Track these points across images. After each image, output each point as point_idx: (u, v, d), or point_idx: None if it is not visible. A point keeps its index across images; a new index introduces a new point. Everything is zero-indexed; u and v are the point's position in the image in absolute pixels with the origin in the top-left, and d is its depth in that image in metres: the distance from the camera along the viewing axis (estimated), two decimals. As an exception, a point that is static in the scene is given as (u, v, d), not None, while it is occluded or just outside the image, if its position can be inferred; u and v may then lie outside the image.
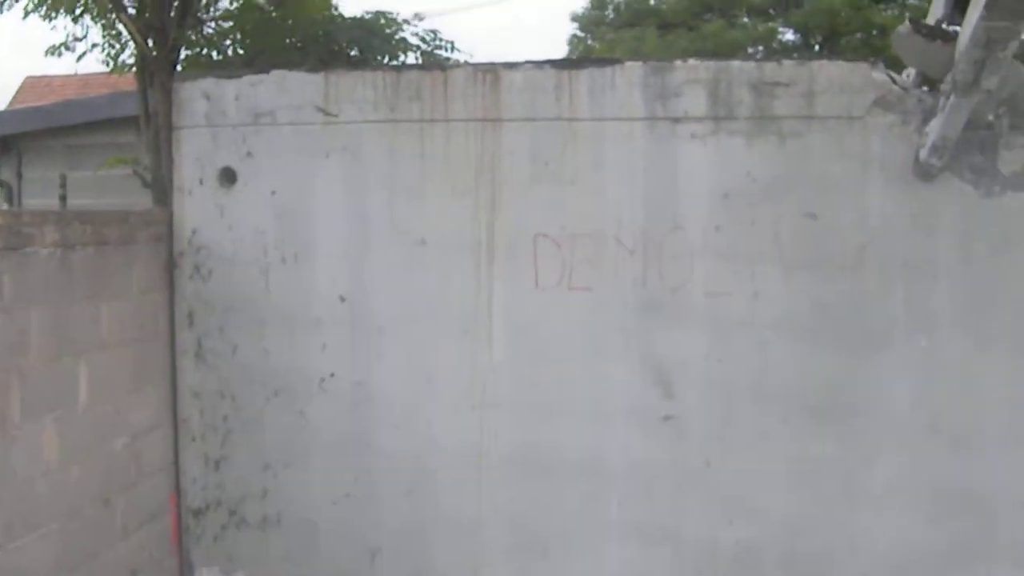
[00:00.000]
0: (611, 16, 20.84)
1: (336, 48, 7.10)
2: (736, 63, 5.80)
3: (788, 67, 5.73)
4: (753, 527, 5.81)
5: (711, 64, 5.79)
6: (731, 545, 5.83)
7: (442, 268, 5.96)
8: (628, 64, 5.84)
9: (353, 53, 7.29)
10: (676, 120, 5.77)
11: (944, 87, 5.19)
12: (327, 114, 6.04)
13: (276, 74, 6.14)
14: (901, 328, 5.68)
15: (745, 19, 16.45)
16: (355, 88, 6.03)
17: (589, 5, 21.84)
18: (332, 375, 6.08)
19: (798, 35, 14.48)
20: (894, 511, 5.71)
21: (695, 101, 5.76)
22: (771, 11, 18.16)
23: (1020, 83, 5.43)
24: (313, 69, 6.14)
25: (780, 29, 15.62)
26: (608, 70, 5.83)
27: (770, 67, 5.75)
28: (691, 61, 5.83)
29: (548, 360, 5.89)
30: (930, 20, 5.88)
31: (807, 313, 5.72)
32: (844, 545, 5.76)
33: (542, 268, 5.86)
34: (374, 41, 7.24)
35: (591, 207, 5.83)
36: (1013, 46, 4.64)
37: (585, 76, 5.85)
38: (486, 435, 5.96)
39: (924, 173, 5.61)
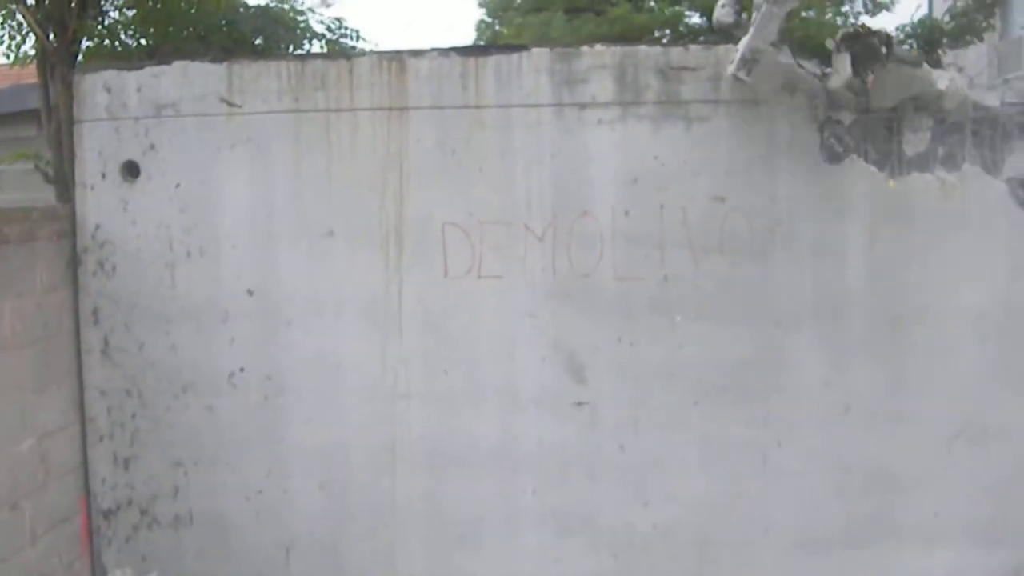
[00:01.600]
0: (518, 1, 20.25)
1: (240, 37, 6.55)
2: (643, 48, 5.35)
3: (695, 51, 5.31)
4: (668, 510, 5.38)
5: (617, 49, 5.35)
6: (647, 529, 5.40)
7: (350, 259, 5.44)
8: (534, 50, 5.37)
9: (258, 43, 6.75)
10: (583, 106, 5.32)
11: (756, 1, 4.80)
12: (231, 105, 5.50)
13: (178, 65, 5.58)
14: (811, 309, 5.29)
15: (652, 3, 15.98)
16: (259, 78, 5.50)
17: None
18: (241, 369, 5.54)
19: (704, 18, 14.07)
20: (807, 491, 5.32)
21: (602, 87, 5.32)
22: None
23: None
24: (216, 59, 5.58)
25: (687, 12, 15.19)
26: (514, 57, 5.36)
27: (677, 52, 5.32)
28: (597, 47, 5.37)
29: (459, 349, 5.41)
30: None
31: (717, 296, 5.30)
32: (759, 525, 5.36)
33: (451, 257, 5.38)
34: (278, 30, 6.70)
35: (499, 195, 5.35)
36: None
37: (491, 63, 5.37)
38: (398, 426, 5.47)
39: (831, 155, 5.25)
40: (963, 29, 7.11)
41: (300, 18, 7.06)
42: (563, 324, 5.32)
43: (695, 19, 14.35)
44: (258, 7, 6.77)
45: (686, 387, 5.30)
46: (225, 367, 5.51)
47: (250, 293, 5.47)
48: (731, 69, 5.05)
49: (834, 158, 5.23)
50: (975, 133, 5.36)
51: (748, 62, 4.95)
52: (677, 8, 15.29)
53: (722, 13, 5.10)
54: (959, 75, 5.36)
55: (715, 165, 5.22)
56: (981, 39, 6.45)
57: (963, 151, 5.37)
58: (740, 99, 5.15)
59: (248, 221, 5.47)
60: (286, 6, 7.08)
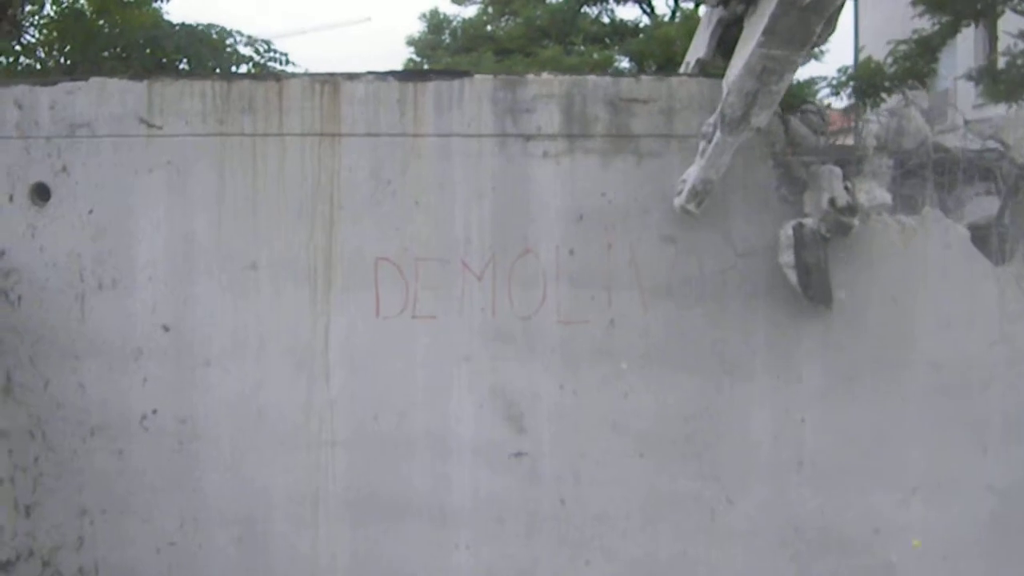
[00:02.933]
0: (447, 41, 20.00)
1: (162, 57, 5.90)
2: (592, 78, 4.82)
3: (647, 83, 4.79)
4: (610, 569, 4.83)
5: (565, 79, 4.81)
6: (587, 588, 4.82)
7: (275, 295, 4.84)
8: (477, 77, 4.82)
9: (182, 67, 6.10)
10: (528, 137, 4.77)
11: (704, 130, 4.38)
12: (150, 126, 4.88)
13: (95, 81, 4.95)
14: (764, 358, 4.78)
15: (581, 47, 15.61)
16: (181, 98, 4.88)
17: (425, 29, 20.92)
18: (154, 412, 4.90)
19: (633, 63, 13.67)
20: (756, 550, 4.80)
21: (548, 117, 4.78)
22: (607, 40, 17.45)
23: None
24: (136, 77, 4.96)
25: (616, 57, 14.81)
26: (456, 83, 4.80)
27: (627, 82, 4.80)
28: (544, 75, 4.84)
29: (390, 394, 4.82)
30: (690, 58, 5.09)
31: (666, 342, 4.77)
32: (705, 586, 4.81)
33: (384, 295, 4.79)
34: (202, 50, 6.07)
35: (436, 229, 4.79)
36: (788, 79, 3.93)
37: (431, 89, 4.81)
38: (323, 475, 4.85)
39: (787, 196, 4.75)
40: (906, 73, 6.72)
41: (227, 40, 6.41)
42: (502, 369, 4.76)
43: (624, 63, 13.99)
44: (183, 25, 6.12)
45: (631, 438, 4.77)
46: (137, 409, 4.89)
47: (166, 329, 4.83)
48: (679, 201, 4.58)
49: (790, 199, 4.68)
50: (936, 175, 4.86)
51: (699, 194, 4.47)
52: (606, 52, 14.93)
53: (682, 201, 4.60)
54: (920, 116, 4.87)
55: (666, 203, 4.69)
56: (924, 84, 6.08)
57: (924, 194, 4.87)
58: (693, 134, 4.62)
59: (166, 251, 4.85)
60: (213, 31, 6.42)
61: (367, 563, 4.84)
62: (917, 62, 6.72)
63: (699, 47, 4.88)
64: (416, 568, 4.84)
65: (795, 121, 4.74)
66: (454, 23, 20.93)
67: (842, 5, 4.01)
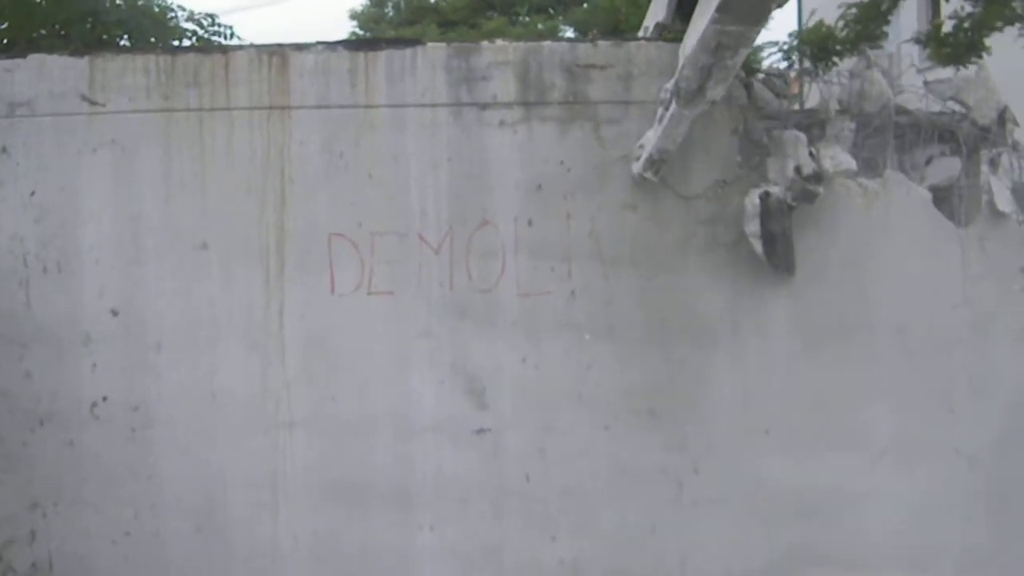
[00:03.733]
0: (391, 14, 19.37)
1: (103, 32, 5.58)
2: (548, 44, 4.60)
3: (604, 48, 4.58)
4: (578, 543, 4.64)
5: (520, 45, 4.59)
6: (555, 564, 4.64)
7: (226, 275, 4.58)
8: (430, 45, 4.58)
9: (125, 43, 5.78)
10: (483, 106, 4.54)
11: (662, 96, 4.21)
12: (93, 103, 4.60)
13: (34, 58, 4.66)
14: (728, 325, 4.60)
15: (525, 18, 15.23)
16: (124, 74, 4.61)
17: (368, 3, 20.26)
18: (105, 399, 4.62)
19: (578, 33, 13.39)
20: (726, 519, 4.62)
21: (504, 85, 4.55)
22: (551, 9, 17.08)
23: None
24: (76, 53, 4.67)
25: (561, 27, 14.49)
26: (408, 52, 4.56)
27: (584, 48, 4.58)
28: (499, 42, 4.61)
29: (348, 373, 4.58)
30: (648, 23, 4.89)
31: (629, 312, 4.58)
32: (675, 557, 4.65)
33: (338, 272, 4.55)
34: (144, 22, 5.75)
35: (391, 203, 4.56)
36: (743, 53, 3.80)
37: (383, 59, 4.57)
38: (282, 458, 4.61)
39: (748, 160, 4.55)
40: (858, 36, 6.50)
41: (169, 14, 6.08)
42: (462, 344, 4.54)
43: (569, 33, 13.67)
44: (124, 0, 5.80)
45: (596, 411, 4.57)
46: (87, 396, 4.64)
47: (114, 313, 4.56)
48: (636, 168, 4.45)
49: (752, 163, 4.48)
50: (898, 138, 4.68)
51: (656, 163, 4.35)
52: (551, 22, 14.60)
53: (639, 169, 4.47)
54: (882, 78, 4.68)
55: (626, 171, 4.48)
56: (879, 47, 5.89)
57: (885, 157, 4.69)
58: (653, 100, 4.41)
59: (112, 233, 4.59)
60: (154, 3, 6.09)
61: (329, 546, 4.61)
62: (868, 25, 6.50)
63: (658, 11, 4.68)
64: (380, 550, 4.62)
65: (758, 85, 4.55)
66: None
67: None
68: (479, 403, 4.57)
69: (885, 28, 7.49)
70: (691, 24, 4.10)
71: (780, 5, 4.00)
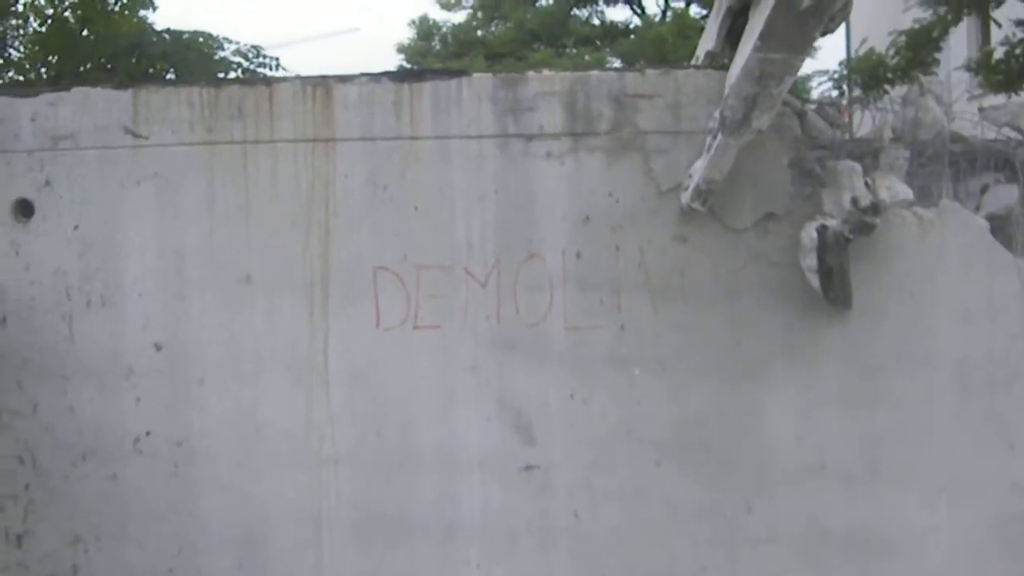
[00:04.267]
0: (438, 47, 19.41)
1: (148, 65, 5.48)
2: (595, 73, 4.44)
3: (652, 77, 4.42)
4: (627, 583, 4.43)
5: (567, 75, 4.43)
6: (604, 603, 4.43)
7: (270, 308, 4.46)
8: (476, 76, 4.44)
9: (169, 76, 5.67)
10: (530, 137, 4.40)
11: (711, 125, 4.06)
12: (136, 136, 4.50)
13: (78, 91, 4.56)
14: (781, 359, 4.41)
15: (572, 49, 15.14)
16: (168, 106, 4.50)
17: (415, 36, 20.26)
18: (148, 434, 4.51)
19: (625, 64, 13.21)
20: (779, 558, 4.43)
21: (551, 116, 4.41)
22: (598, 42, 17.01)
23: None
24: (120, 86, 4.58)
25: (608, 58, 14.36)
26: (453, 83, 4.42)
27: (632, 77, 4.42)
28: (545, 72, 4.46)
29: (393, 408, 4.44)
30: (700, 52, 4.73)
31: (679, 346, 4.40)
32: (726, 597, 4.42)
33: (383, 305, 4.41)
34: (189, 55, 5.64)
35: (437, 235, 4.42)
36: (788, 82, 3.62)
37: (428, 90, 4.43)
38: (326, 494, 4.46)
39: (802, 191, 4.37)
40: (909, 63, 6.36)
41: (215, 47, 5.96)
42: (509, 379, 4.39)
43: (616, 65, 13.54)
44: (169, 31, 5.68)
45: (646, 447, 4.40)
46: (130, 431, 4.52)
47: (158, 348, 4.44)
48: (685, 199, 4.30)
49: (804, 193, 4.31)
50: (953, 166, 4.49)
51: (704, 193, 4.19)
52: (598, 54, 14.52)
53: (688, 200, 4.31)
54: (936, 105, 4.49)
55: (676, 202, 4.30)
56: (930, 74, 5.74)
57: (940, 185, 4.49)
58: (702, 129, 4.24)
59: (155, 266, 4.47)
60: (200, 38, 5.97)
61: (374, 584, 4.43)
62: (919, 52, 6.35)
63: (708, 39, 4.52)
64: (425, 588, 4.44)
65: (811, 114, 4.37)
66: (444, 29, 20.33)
67: (847, 4, 3.64)
68: (526, 439, 4.41)
69: (936, 55, 7.33)
70: (737, 52, 3.96)
71: (824, 33, 3.85)
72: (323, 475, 4.45)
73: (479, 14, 20.19)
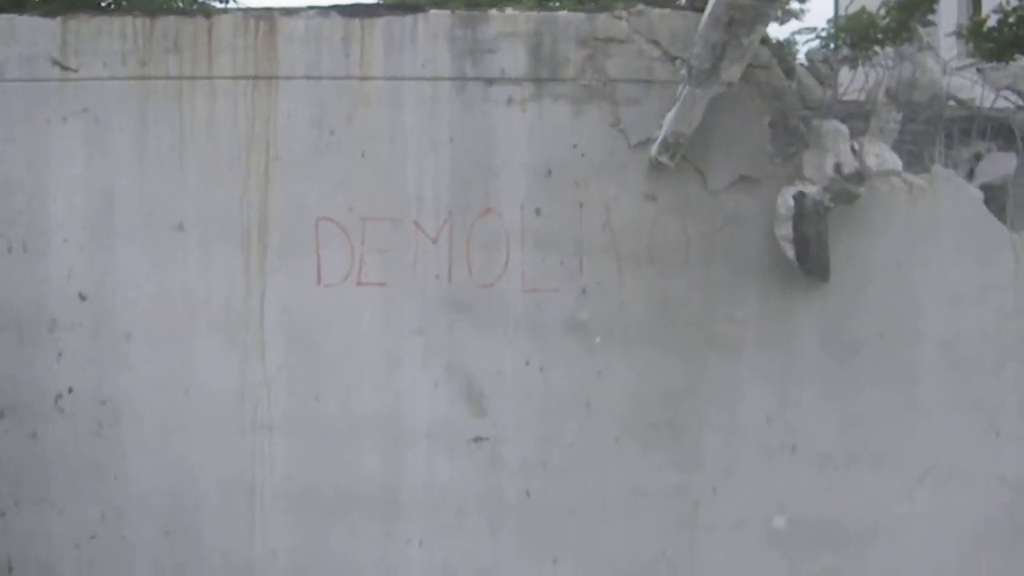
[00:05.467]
0: None
1: None
2: (563, 14, 3.95)
3: (625, 19, 3.89)
4: (581, 567, 4.01)
5: (533, 15, 3.94)
6: (556, 587, 3.97)
7: (204, 259, 3.97)
8: (432, 13, 3.93)
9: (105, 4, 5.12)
10: (490, 81, 3.89)
11: (682, 73, 3.62)
12: (64, 68, 3.99)
13: (2, 18, 4.04)
14: (755, 332, 3.94)
15: (557, 2, 14.52)
16: (100, 37, 3.99)
17: None
18: (71, 391, 4.02)
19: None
20: (747, 545, 3.98)
21: (513, 59, 3.90)
22: None
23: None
24: (48, 13, 4.05)
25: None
26: (408, 19, 3.92)
27: (603, 19, 3.92)
28: (509, 11, 3.96)
29: (333, 371, 3.96)
30: None
31: (645, 314, 3.92)
32: (687, 584, 3.96)
33: (326, 259, 3.91)
34: None
35: (386, 185, 3.92)
36: (760, 30, 3.22)
37: (380, 26, 3.92)
38: (260, 462, 3.98)
39: (782, 151, 3.88)
40: (900, 25, 5.88)
41: None
42: (460, 343, 3.91)
43: None
44: None
45: (606, 421, 3.94)
46: (51, 388, 4.05)
47: (83, 298, 3.95)
48: (653, 152, 3.84)
49: (786, 154, 3.81)
50: (947, 131, 3.98)
51: (671, 147, 3.74)
52: (577, 5, 13.87)
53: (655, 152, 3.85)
54: (936, 64, 3.97)
55: (646, 157, 3.82)
56: (915, 37, 5.28)
57: (933, 150, 3.99)
58: (677, 79, 3.70)
59: (83, 210, 3.98)
60: None
61: (309, 559, 3.99)
62: (913, 13, 5.88)
63: None
64: (364, 565, 4.01)
65: (802, 71, 3.86)
66: None
67: None
68: (477, 409, 3.93)
69: (931, 16, 6.87)
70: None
71: None
72: (257, 441, 3.98)
73: None
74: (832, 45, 5.57)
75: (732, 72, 3.35)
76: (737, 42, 3.23)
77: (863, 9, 5.70)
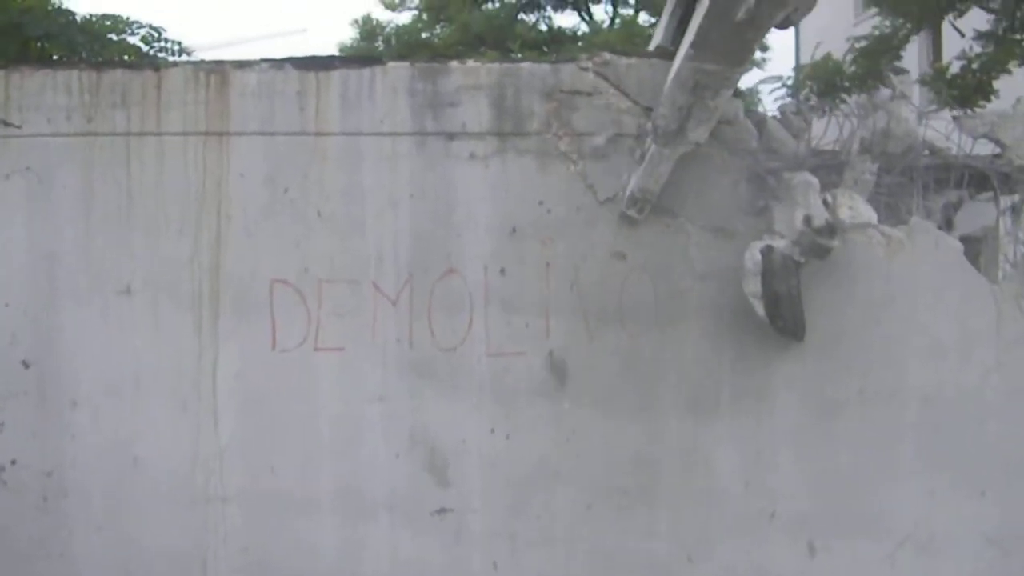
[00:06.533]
0: (381, 48, 18.20)
1: (34, 48, 4.60)
2: (527, 65, 3.69)
3: (590, 70, 3.63)
4: (552, 640, 3.65)
5: (495, 67, 3.68)
6: (527, 662, 3.65)
7: (153, 323, 3.66)
8: (391, 65, 3.67)
9: (56, 58, 4.79)
10: (451, 136, 3.61)
11: (647, 126, 3.40)
12: (6, 124, 3.69)
13: (-59, 73, 3.72)
14: (729, 393, 3.67)
15: (518, 55, 14.29)
16: (43, 92, 3.69)
17: (358, 36, 18.99)
18: (13, 463, 3.70)
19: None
20: (723, 617, 3.64)
21: (475, 113, 3.63)
22: (545, 47, 16.14)
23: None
24: (-10, 67, 3.73)
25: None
26: (366, 72, 3.64)
27: (568, 70, 3.65)
28: (470, 63, 3.68)
29: (290, 440, 3.66)
30: (651, 48, 4.00)
31: (615, 376, 3.65)
32: (662, 659, 3.66)
33: (281, 324, 3.61)
34: (78, 37, 4.75)
35: (343, 246, 3.64)
36: (726, 93, 3.16)
37: (336, 79, 3.64)
38: (212, 536, 3.67)
39: (754, 205, 3.61)
40: (867, 72, 5.66)
41: (123, 30, 5.04)
42: (422, 410, 3.63)
43: None
44: (58, 10, 4.79)
45: (576, 490, 3.67)
46: (-7, 459, 3.62)
47: (25, 365, 3.65)
48: (624, 206, 3.60)
49: (756, 208, 3.55)
50: (925, 180, 3.72)
51: (639, 201, 3.52)
52: (545, 59, 13.68)
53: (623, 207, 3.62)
54: (911, 113, 3.72)
55: (615, 214, 3.53)
56: (885, 84, 5.06)
57: (909, 202, 3.73)
58: (646, 132, 3.42)
59: (25, 272, 3.70)
60: (106, 22, 5.05)
61: (266, 639, 3.63)
62: (879, 60, 5.67)
63: (660, 31, 3.73)
64: (325, 644, 3.64)
65: (772, 123, 3.60)
66: (388, 30, 18.95)
67: (797, 15, 2.89)
68: (440, 479, 3.63)
69: (898, 63, 6.67)
70: (675, 58, 3.21)
71: (785, 27, 3.14)
72: (210, 515, 3.66)
73: (424, 16, 18.97)
74: (798, 94, 5.39)
75: (699, 133, 3.14)
76: (703, 104, 3.03)
77: (828, 56, 5.50)
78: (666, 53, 3.51)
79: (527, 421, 3.63)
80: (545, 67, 3.66)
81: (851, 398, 3.69)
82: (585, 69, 3.62)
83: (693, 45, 2.88)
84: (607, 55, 3.59)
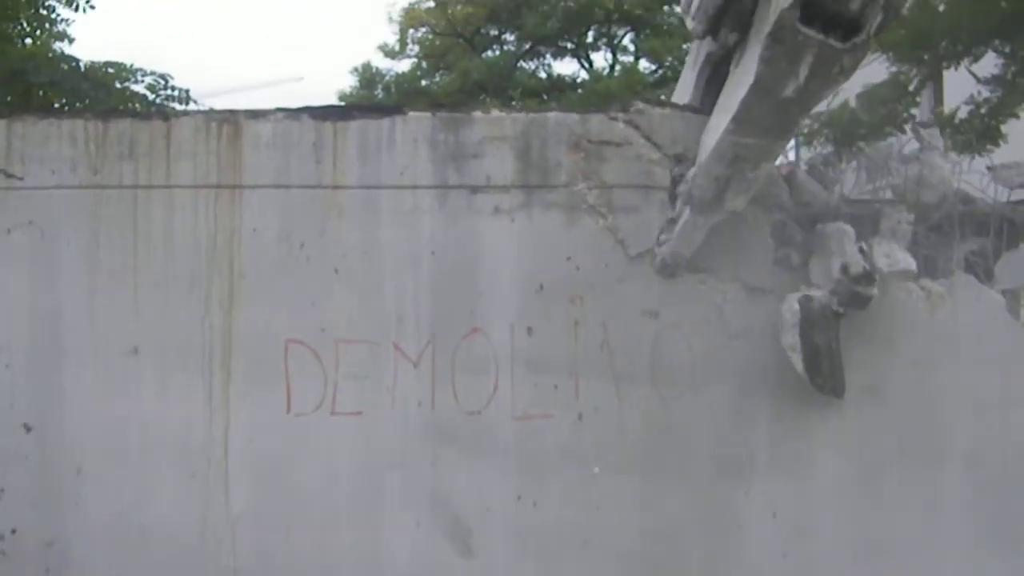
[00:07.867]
0: (381, 96, 17.97)
1: (39, 96, 4.30)
2: (554, 115, 3.40)
3: (621, 120, 3.35)
4: None
5: (521, 116, 3.38)
6: None
7: (161, 387, 3.36)
8: (412, 115, 3.38)
9: (60, 106, 4.49)
10: (475, 189, 3.33)
11: (680, 188, 3.16)
12: (8, 176, 3.38)
13: (-59, 123, 3.42)
14: (765, 455, 3.37)
15: (519, 103, 14.04)
16: (48, 142, 3.40)
17: (358, 84, 18.71)
18: (13, 532, 3.39)
19: None
20: None
21: (500, 164, 3.35)
22: (545, 95, 15.95)
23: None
24: (-8, 116, 3.43)
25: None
26: (385, 122, 3.35)
27: (598, 121, 3.36)
28: (495, 112, 3.38)
29: (305, 509, 3.36)
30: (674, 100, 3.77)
31: (647, 440, 3.35)
32: None
33: (296, 387, 3.31)
34: (83, 85, 4.45)
35: (361, 304, 3.35)
36: (767, 166, 2.96)
37: (354, 130, 3.35)
38: (224, 611, 3.31)
39: (787, 260, 3.31)
40: (884, 120, 5.41)
41: (127, 77, 4.74)
42: (444, 477, 3.35)
43: None
44: (62, 57, 4.49)
45: (606, 560, 3.40)
46: (-7, 528, 3.30)
47: (27, 430, 3.35)
48: (655, 268, 3.34)
49: (791, 263, 3.26)
50: (963, 233, 3.44)
51: (669, 266, 3.29)
52: (545, 106, 13.55)
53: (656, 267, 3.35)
54: (944, 163, 3.44)
55: (645, 269, 3.22)
56: (903, 131, 4.83)
57: (950, 254, 3.44)
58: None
59: (27, 333, 3.41)
60: (109, 69, 4.76)
61: None
62: (895, 107, 5.42)
63: (685, 89, 3.47)
64: None
65: (802, 175, 3.31)
66: (387, 77, 18.72)
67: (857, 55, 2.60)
68: (463, 548, 3.33)
69: (914, 110, 6.45)
70: (711, 119, 2.94)
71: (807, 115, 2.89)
72: (221, 587, 3.31)
73: (424, 63, 18.74)
74: (816, 143, 5.21)
75: (737, 203, 2.94)
76: (742, 176, 2.74)
77: (846, 103, 5.28)
78: (699, 107, 3.23)
79: (555, 487, 3.33)
80: (573, 117, 3.37)
81: (892, 459, 3.41)
82: (614, 119, 3.34)
83: (735, 119, 2.65)
84: (641, 104, 3.31)
